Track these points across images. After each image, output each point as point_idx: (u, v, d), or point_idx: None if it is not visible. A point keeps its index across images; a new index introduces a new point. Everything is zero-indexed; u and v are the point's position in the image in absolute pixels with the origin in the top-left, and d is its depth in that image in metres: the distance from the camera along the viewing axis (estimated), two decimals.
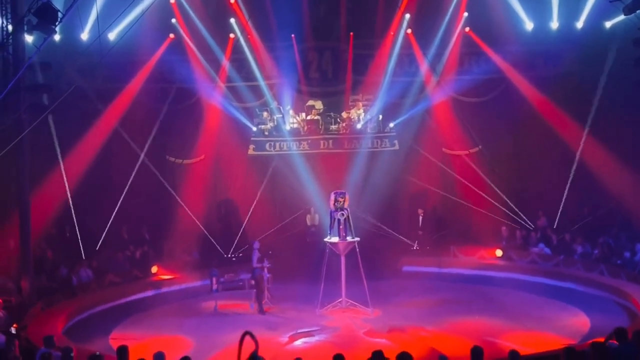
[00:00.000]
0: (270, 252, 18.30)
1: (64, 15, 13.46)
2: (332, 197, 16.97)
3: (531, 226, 21.14)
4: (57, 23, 13.49)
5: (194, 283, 19.58)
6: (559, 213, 20.91)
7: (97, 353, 10.10)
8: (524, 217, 21.34)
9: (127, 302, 17.94)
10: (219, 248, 21.30)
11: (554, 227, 20.70)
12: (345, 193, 17.13)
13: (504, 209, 21.52)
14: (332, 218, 17.04)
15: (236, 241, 21.61)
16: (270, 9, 20.99)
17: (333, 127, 22.21)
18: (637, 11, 15.98)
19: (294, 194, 22.23)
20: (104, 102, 20.33)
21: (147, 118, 21.26)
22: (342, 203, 16.84)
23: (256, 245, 17.77)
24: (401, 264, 21.01)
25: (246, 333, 5.30)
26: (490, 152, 22.42)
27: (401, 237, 21.69)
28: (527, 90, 21.36)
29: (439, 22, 21.45)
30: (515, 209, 21.45)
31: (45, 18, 13.26)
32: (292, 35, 21.31)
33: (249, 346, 5.70)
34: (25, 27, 15.31)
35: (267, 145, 22.13)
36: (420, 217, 22.36)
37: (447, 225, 22.07)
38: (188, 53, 21.30)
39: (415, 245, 21.65)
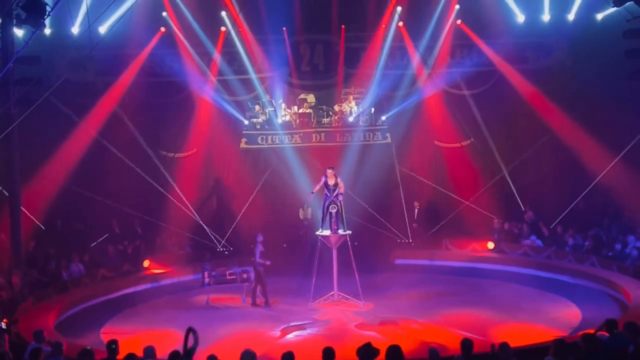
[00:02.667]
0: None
1: (52, 9, 13.38)
2: (322, 180, 16.93)
3: (515, 218, 21.18)
4: (45, 17, 13.39)
5: (185, 277, 19.56)
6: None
7: (88, 347, 10.07)
8: (514, 210, 21.41)
9: (118, 296, 17.85)
10: (212, 239, 21.29)
11: (545, 219, 20.68)
12: (333, 167, 17.10)
13: (495, 201, 21.59)
14: (324, 211, 17.01)
15: (228, 235, 21.58)
16: (261, 2, 20.94)
17: (325, 120, 22.21)
18: (627, 3, 15.99)
19: (287, 188, 22.19)
20: (95, 96, 20.25)
21: (138, 112, 21.19)
22: (333, 181, 16.74)
23: (259, 238, 17.66)
24: (393, 257, 21.02)
25: (189, 330, 5.27)
26: (482, 144, 22.40)
27: (394, 230, 21.69)
28: (519, 82, 21.35)
29: (430, 15, 21.43)
30: (506, 201, 21.55)
31: (33, 12, 13.16)
32: (284, 29, 21.26)
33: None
34: (15, 21, 15.24)
35: (259, 139, 22.11)
36: (416, 210, 22.34)
37: (442, 219, 22.04)
38: (179, 46, 21.24)
39: (409, 238, 21.62)
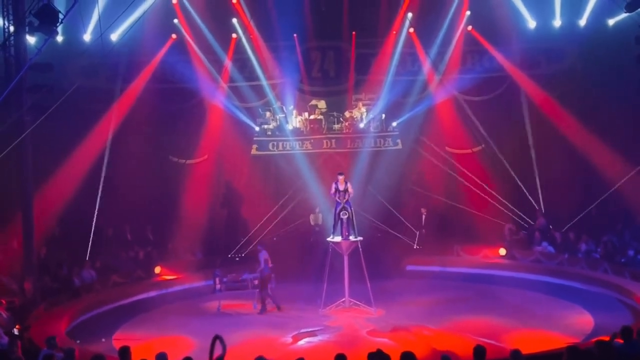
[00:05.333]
0: (274, 238, 18.33)
1: (64, 16, 13.44)
2: (333, 186, 16.93)
3: (527, 224, 21.14)
4: (57, 24, 13.47)
5: (197, 283, 19.59)
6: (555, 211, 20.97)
7: (100, 354, 10.09)
8: (526, 216, 21.37)
9: (130, 302, 17.92)
10: (223, 245, 21.32)
11: (558, 225, 20.61)
12: (342, 173, 17.09)
13: (507, 207, 21.53)
14: (335, 218, 16.99)
15: (239, 241, 21.63)
16: (273, 9, 21.01)
17: (336, 126, 22.22)
18: (639, 8, 15.94)
19: (297, 193, 22.22)
20: (107, 103, 20.34)
21: (150, 118, 21.26)
22: (344, 186, 16.73)
23: (260, 246, 17.85)
24: (404, 263, 20.97)
25: (216, 337, 5.24)
26: (493, 150, 22.35)
27: (404, 236, 21.67)
28: (530, 88, 21.39)
29: (441, 21, 21.45)
30: (518, 208, 21.53)
31: (46, 19, 13.23)
32: (295, 35, 21.33)
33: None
34: (27, 28, 15.36)
35: (270, 145, 22.15)
36: (423, 216, 22.31)
37: (449, 224, 21.98)
38: (190, 53, 21.37)
39: (416, 244, 21.57)
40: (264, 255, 17.73)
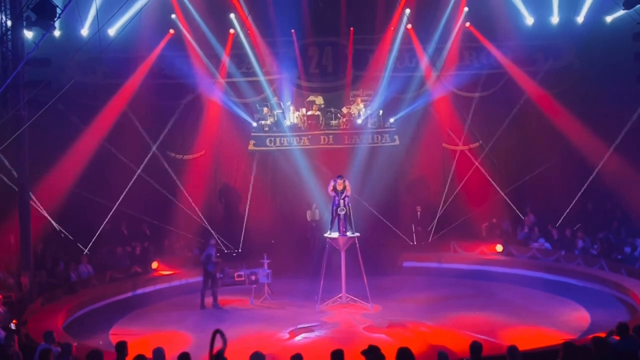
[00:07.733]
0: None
1: (62, 11, 13.42)
2: (331, 183, 16.90)
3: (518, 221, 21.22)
4: (55, 19, 13.45)
5: (194, 279, 19.43)
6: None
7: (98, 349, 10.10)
8: (520, 213, 21.44)
9: (127, 297, 17.92)
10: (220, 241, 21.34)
11: (554, 222, 20.63)
12: (342, 176, 17.07)
13: (502, 204, 21.58)
14: (333, 214, 16.99)
15: (236, 236, 21.64)
16: (270, 4, 21.00)
17: (333, 122, 22.18)
18: (637, 5, 15.96)
19: (295, 190, 22.23)
20: (104, 98, 20.33)
21: (147, 114, 21.28)
22: (342, 187, 16.71)
23: (212, 242, 18.32)
24: (401, 260, 20.99)
25: (216, 332, 5.24)
26: (490, 147, 22.37)
27: (400, 233, 21.73)
28: (528, 85, 21.40)
29: (439, 17, 21.45)
30: (514, 204, 21.59)
31: (44, 14, 13.23)
32: (292, 31, 21.29)
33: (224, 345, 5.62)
34: (25, 23, 15.33)
35: (267, 141, 22.11)
36: (418, 213, 22.32)
37: (446, 220, 22.00)
38: (188, 49, 21.34)
39: (412, 240, 21.63)
40: (210, 251, 17.73)
